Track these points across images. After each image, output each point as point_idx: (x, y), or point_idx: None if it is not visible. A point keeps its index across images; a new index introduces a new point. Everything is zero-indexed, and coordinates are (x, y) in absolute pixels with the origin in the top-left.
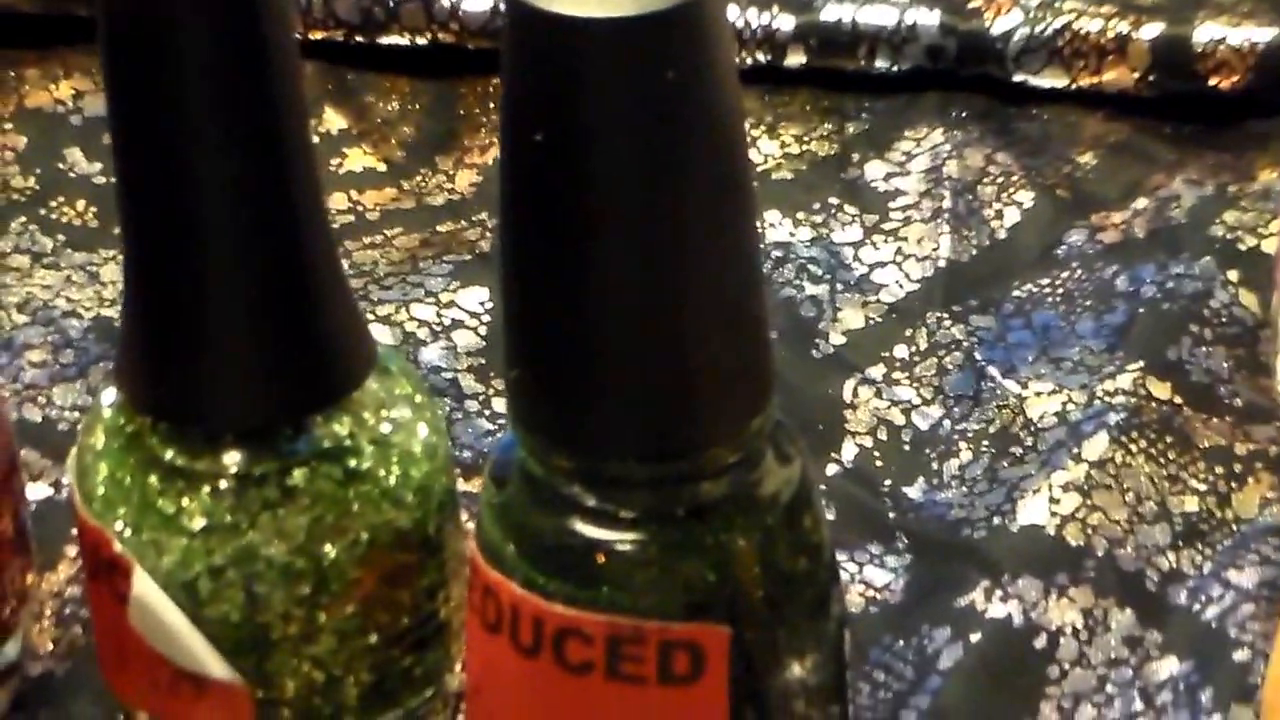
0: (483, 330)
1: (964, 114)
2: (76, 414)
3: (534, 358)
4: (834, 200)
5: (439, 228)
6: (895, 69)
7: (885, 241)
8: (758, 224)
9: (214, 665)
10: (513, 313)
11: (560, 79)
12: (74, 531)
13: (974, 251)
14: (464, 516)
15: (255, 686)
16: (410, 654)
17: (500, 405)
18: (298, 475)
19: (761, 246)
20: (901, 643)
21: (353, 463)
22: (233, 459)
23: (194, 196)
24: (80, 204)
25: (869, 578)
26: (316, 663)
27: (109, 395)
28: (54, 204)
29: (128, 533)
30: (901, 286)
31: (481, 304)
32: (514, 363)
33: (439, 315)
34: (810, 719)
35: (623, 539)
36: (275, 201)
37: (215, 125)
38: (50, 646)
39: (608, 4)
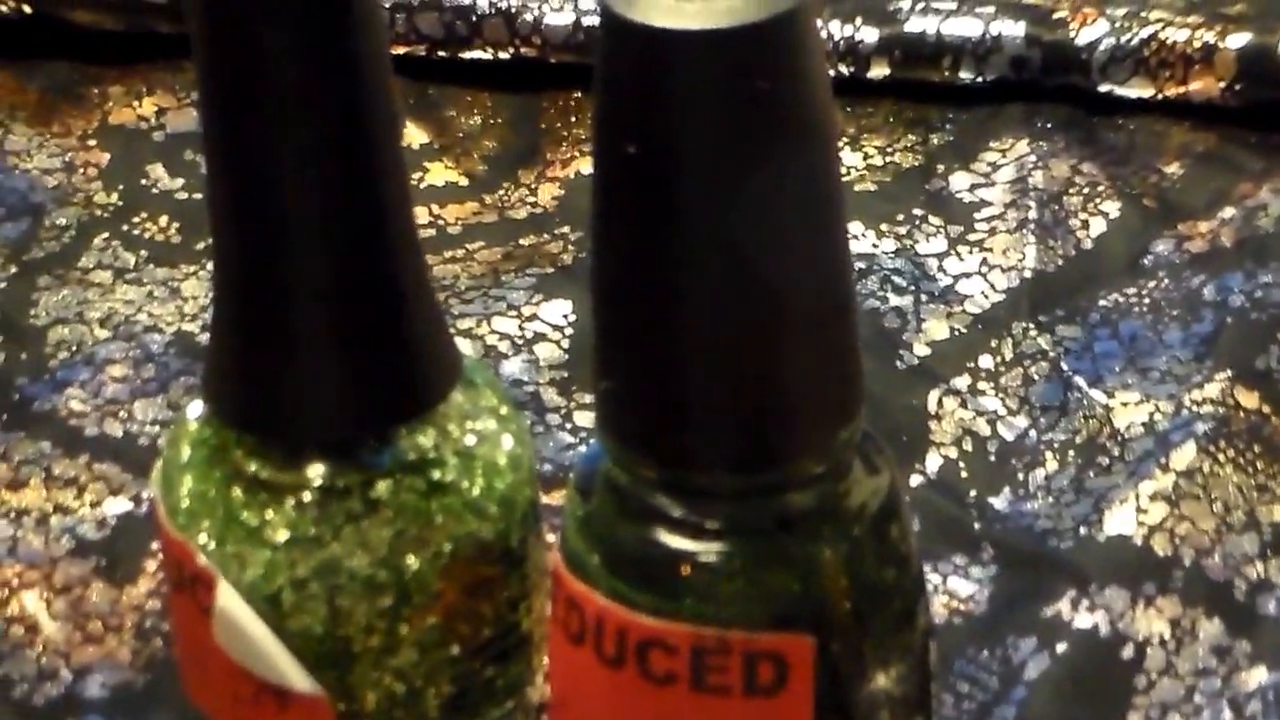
0: (565, 343)
1: (1049, 124)
2: (157, 429)
3: (623, 368)
4: (918, 211)
5: (521, 241)
6: (980, 80)
7: (970, 252)
8: (848, 235)
9: (297, 678)
10: (602, 323)
11: (652, 91)
12: (154, 545)
13: (1060, 262)
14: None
15: (337, 699)
16: (492, 666)
17: (582, 418)
18: (381, 488)
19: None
20: (986, 653)
21: (436, 475)
22: (317, 471)
23: (283, 207)
24: (163, 220)
25: (953, 588)
26: (398, 675)
27: (194, 408)
28: (136, 220)
29: (211, 545)
30: (987, 297)
31: (564, 317)
32: (603, 373)
33: (521, 328)
34: None
35: (708, 550)
36: (364, 213)
37: (305, 136)
38: (130, 659)
39: (700, 16)
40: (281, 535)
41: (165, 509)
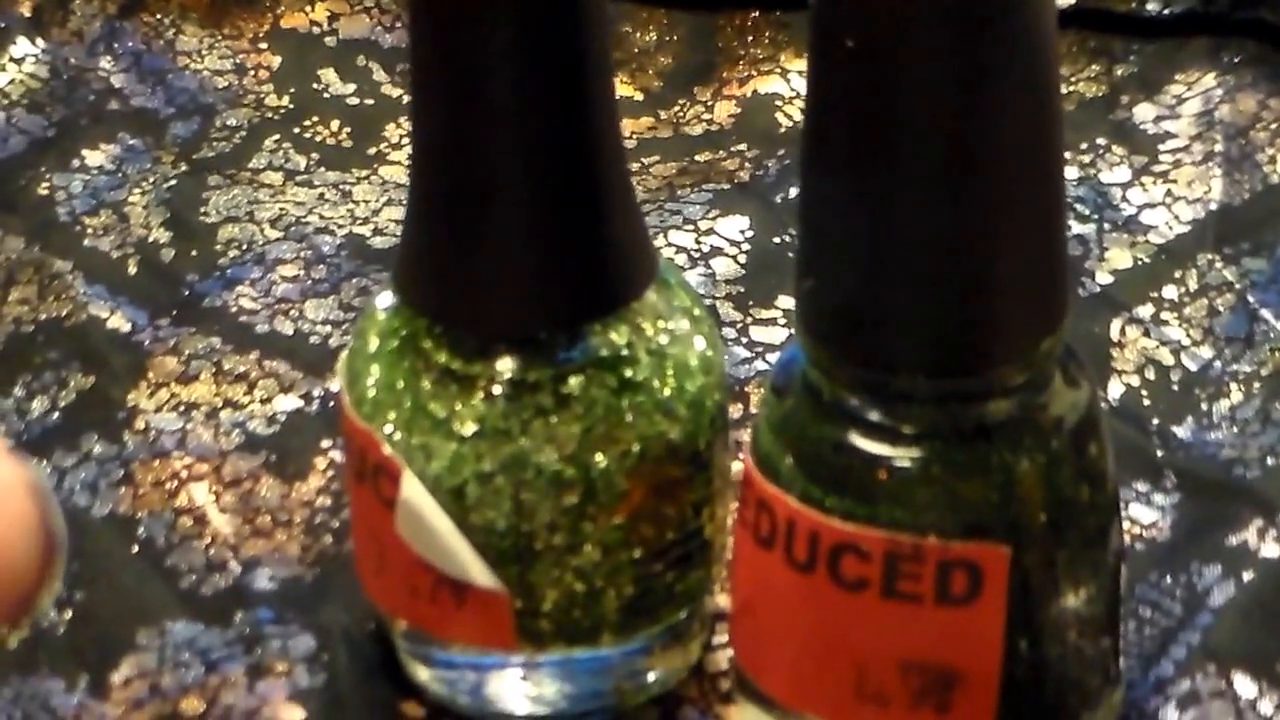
0: (741, 258)
1: (1237, 59)
2: (328, 328)
3: (828, 267)
4: (1101, 141)
5: (697, 157)
6: (1167, 11)
7: (1155, 183)
8: (1063, 139)
9: (478, 572)
10: (809, 222)
11: None
12: (324, 444)
13: (1246, 195)
14: None
15: (516, 596)
16: (672, 570)
17: (758, 333)
18: (573, 383)
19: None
20: (1170, 579)
21: (628, 373)
22: (507, 365)
23: (485, 99)
24: (334, 124)
25: (1136, 515)
26: (579, 574)
27: (383, 299)
28: (307, 123)
29: (397, 436)
30: (1171, 228)
31: (741, 232)
32: (807, 272)
33: (697, 242)
34: (1081, 650)
35: (905, 455)
36: (566, 106)
37: (511, 29)
38: (299, 554)
39: None
40: (469, 428)
41: (350, 398)
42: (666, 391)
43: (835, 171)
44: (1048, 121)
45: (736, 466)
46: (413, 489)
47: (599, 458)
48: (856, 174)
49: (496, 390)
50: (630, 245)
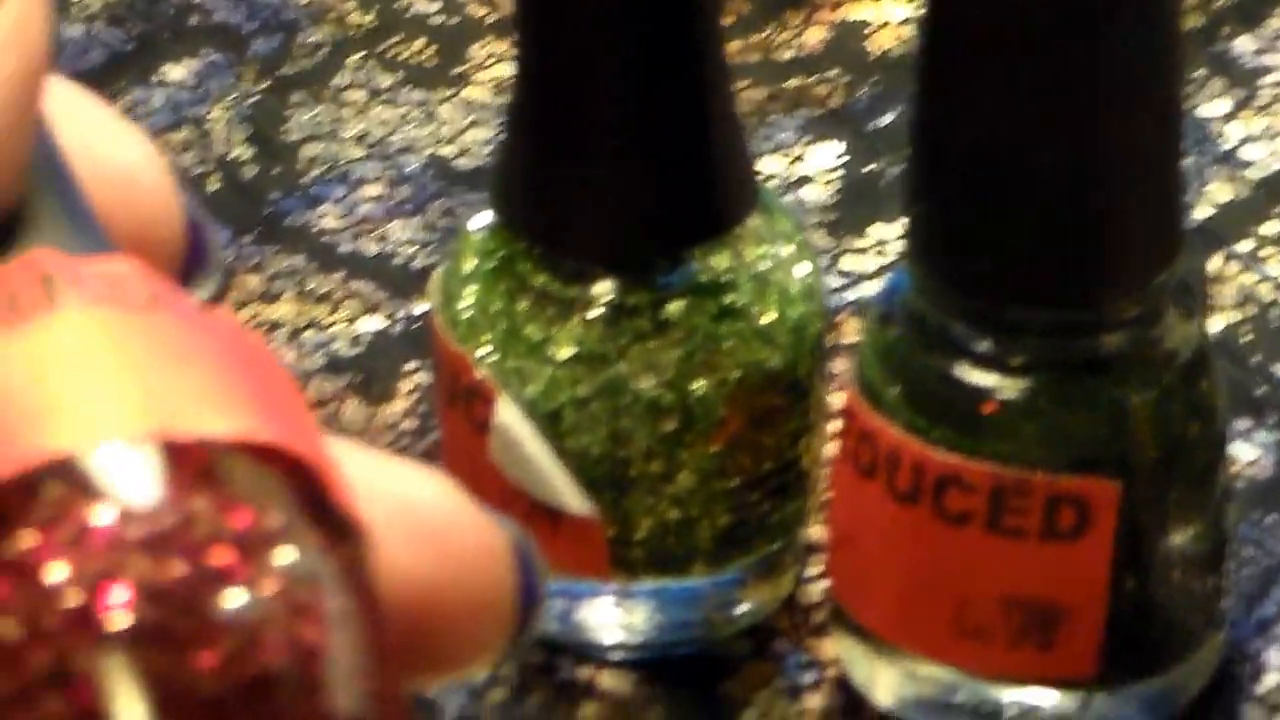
0: (834, 186)
1: None
2: (413, 249)
3: (942, 193)
4: (1201, 72)
5: (787, 83)
6: None
7: (1255, 116)
8: (1183, 70)
9: (572, 499)
10: (923, 146)
11: None
12: (408, 366)
13: None
14: None
15: (610, 523)
16: (768, 500)
17: (849, 263)
18: (672, 308)
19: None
20: (1273, 518)
21: (729, 299)
22: (606, 288)
23: (589, 18)
24: (418, 43)
25: (1237, 453)
26: (674, 502)
27: (478, 220)
28: (392, 41)
29: (492, 359)
30: (1271, 163)
31: (837, 158)
32: (919, 197)
33: (789, 169)
34: (1187, 589)
35: (1013, 387)
36: (672, 26)
37: None
38: None
39: None
40: (566, 352)
41: (444, 320)
42: (767, 318)
43: (952, 96)
44: (1168, 50)
45: (831, 398)
46: (507, 413)
47: (697, 384)
48: (970, 102)
49: (594, 314)
50: (734, 169)
